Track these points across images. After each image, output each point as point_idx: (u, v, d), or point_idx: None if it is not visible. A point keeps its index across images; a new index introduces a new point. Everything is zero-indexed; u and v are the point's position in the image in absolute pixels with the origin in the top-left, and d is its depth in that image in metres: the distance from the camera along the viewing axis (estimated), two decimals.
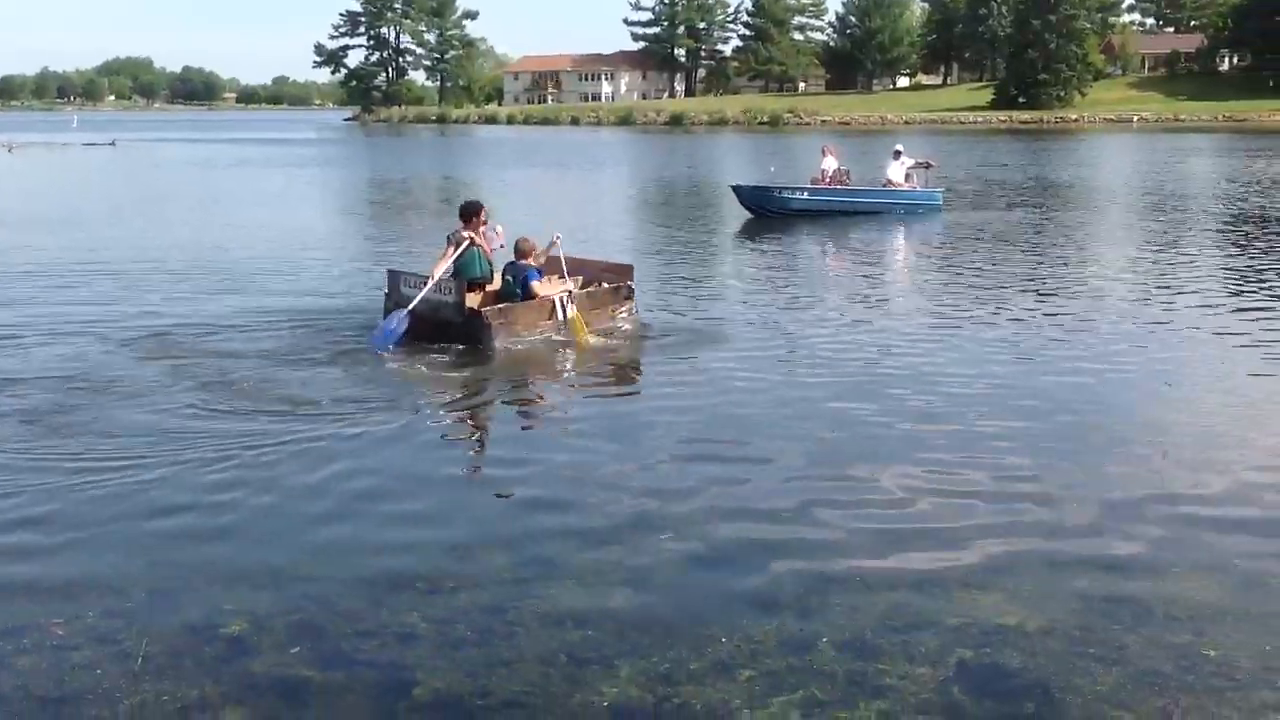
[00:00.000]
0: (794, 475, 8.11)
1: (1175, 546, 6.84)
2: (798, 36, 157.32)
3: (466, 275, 12.44)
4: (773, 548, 6.83)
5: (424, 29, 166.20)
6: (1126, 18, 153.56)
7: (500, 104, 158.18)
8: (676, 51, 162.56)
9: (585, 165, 53.34)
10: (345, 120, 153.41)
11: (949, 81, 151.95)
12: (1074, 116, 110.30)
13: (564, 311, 12.26)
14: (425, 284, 12.13)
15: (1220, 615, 5.94)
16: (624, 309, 13.16)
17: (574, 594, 6.22)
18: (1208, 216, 26.81)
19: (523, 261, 12.51)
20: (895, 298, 15.81)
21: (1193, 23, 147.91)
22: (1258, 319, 13.78)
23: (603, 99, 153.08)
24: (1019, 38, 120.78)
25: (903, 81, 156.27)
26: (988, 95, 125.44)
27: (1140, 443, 8.90)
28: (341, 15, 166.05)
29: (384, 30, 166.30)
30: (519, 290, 12.44)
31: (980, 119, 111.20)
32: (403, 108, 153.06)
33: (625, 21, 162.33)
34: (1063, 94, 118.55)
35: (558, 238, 13.12)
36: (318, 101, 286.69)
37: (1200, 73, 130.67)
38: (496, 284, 12.87)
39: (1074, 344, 12.43)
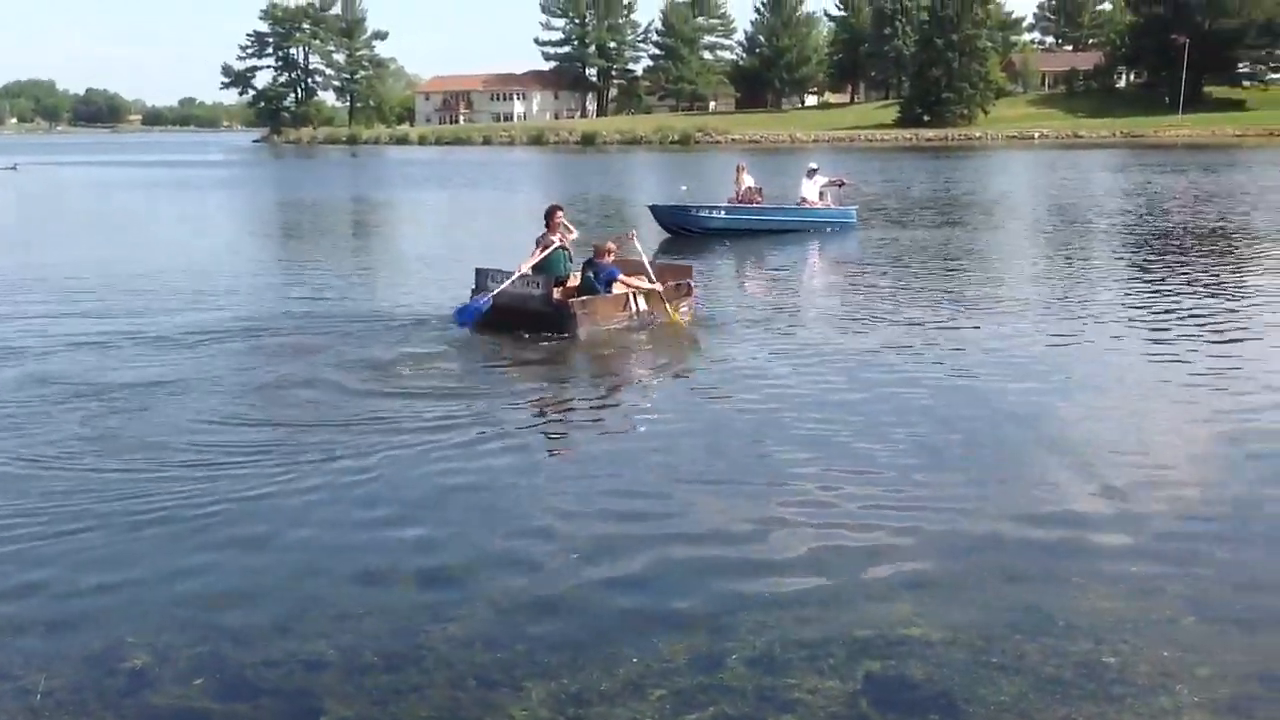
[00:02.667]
0: (703, 495, 8.15)
1: (1074, 556, 6.98)
2: (707, 56, 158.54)
3: (552, 272, 14.24)
4: (684, 567, 6.86)
5: (333, 49, 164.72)
6: (1027, 36, 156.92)
7: (411, 124, 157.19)
8: (588, 71, 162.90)
9: (499, 185, 53.18)
10: (254, 142, 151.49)
11: (856, 100, 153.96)
12: (977, 134, 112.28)
13: (637, 304, 14.21)
14: (508, 278, 13.93)
15: (1119, 623, 6.08)
16: (685, 303, 15.02)
17: (484, 617, 6.20)
18: (1110, 230, 27.44)
19: (602, 260, 14.25)
20: (811, 315, 15.93)
21: (1091, 41, 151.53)
22: (1159, 331, 14.12)
23: (515, 119, 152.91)
24: (923, 56, 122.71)
25: (811, 100, 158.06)
26: (893, 113, 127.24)
27: (1040, 454, 9.06)
28: (249, 36, 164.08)
29: (293, 51, 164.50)
30: (600, 286, 14.12)
31: (887, 137, 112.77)
32: (313, 129, 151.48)
33: (536, 41, 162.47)
34: (966, 112, 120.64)
35: (634, 233, 16.05)
36: (226, 123, 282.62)
37: (1098, 90, 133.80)
38: (574, 280, 14.56)
39: (980, 359, 12.63)
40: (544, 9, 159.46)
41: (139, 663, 5.71)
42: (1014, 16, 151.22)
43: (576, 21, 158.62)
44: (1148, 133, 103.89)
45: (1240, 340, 13.47)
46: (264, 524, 7.57)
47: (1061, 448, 9.23)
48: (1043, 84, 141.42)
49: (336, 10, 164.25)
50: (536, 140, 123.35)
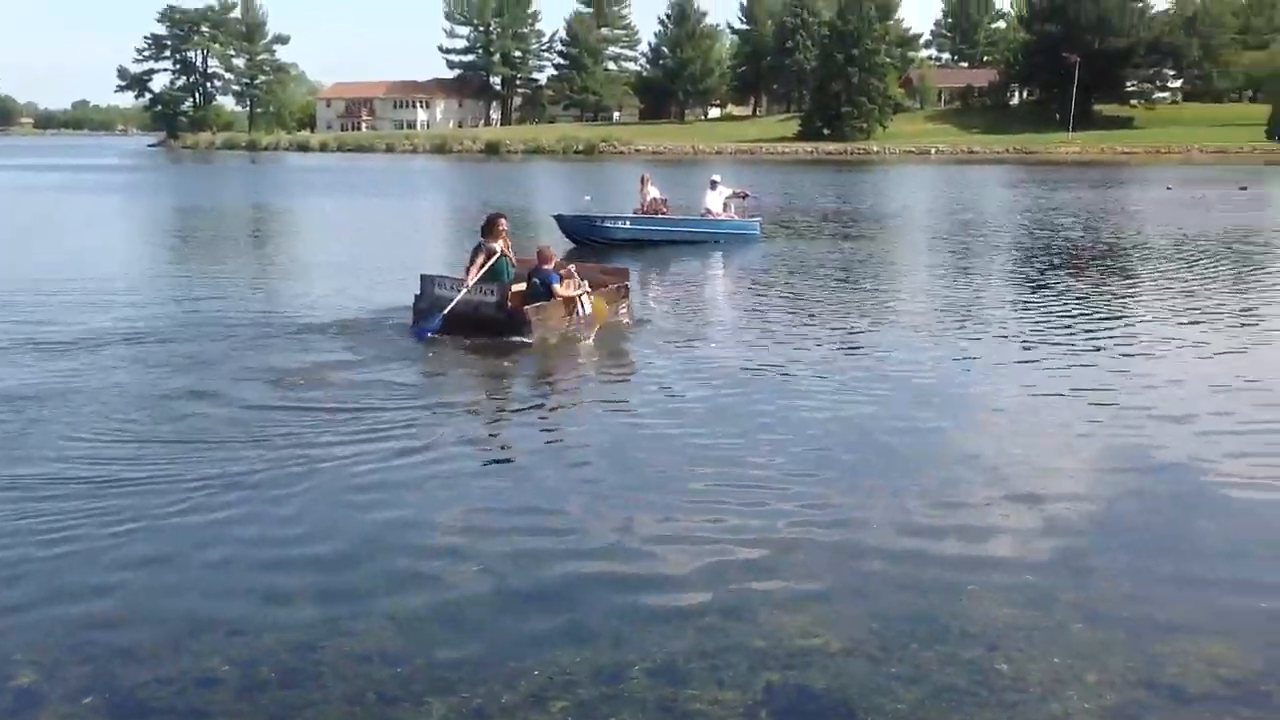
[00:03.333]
0: (608, 509, 8.16)
1: (968, 565, 7.11)
2: (612, 66, 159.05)
3: (500, 280, 14.52)
4: (586, 581, 6.86)
5: (233, 54, 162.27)
6: (924, 53, 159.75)
7: (312, 131, 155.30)
8: (492, 79, 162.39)
9: (402, 193, 52.78)
10: (150, 146, 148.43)
11: (758, 112, 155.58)
12: (875, 148, 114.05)
13: (584, 309, 14.82)
14: (457, 284, 14.37)
15: (1011, 631, 6.20)
16: (624, 305, 15.83)
17: (384, 632, 6.14)
18: (1005, 245, 28.02)
19: (545, 267, 14.81)
20: (717, 328, 16.01)
21: (986, 59, 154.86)
22: (1050, 345, 14.41)
23: (418, 126, 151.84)
24: (823, 71, 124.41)
25: (714, 112, 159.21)
26: (795, 126, 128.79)
27: (934, 466, 9.20)
28: (146, 39, 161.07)
29: (191, 54, 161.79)
30: (543, 291, 14.63)
31: (788, 149, 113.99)
32: (211, 134, 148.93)
33: (440, 49, 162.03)
34: (865, 126, 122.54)
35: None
36: (121, 127, 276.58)
37: (992, 107, 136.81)
38: (518, 286, 14.89)
39: (878, 372, 12.79)
40: (448, 17, 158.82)
41: (26, 681, 5.57)
42: (912, 33, 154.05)
43: (481, 30, 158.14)
44: (1040, 149, 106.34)
45: (1128, 354, 13.81)
46: (160, 541, 7.41)
47: (954, 460, 9.39)
48: (939, 100, 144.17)
49: (237, 14, 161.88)
50: (440, 148, 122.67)
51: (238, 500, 8.19)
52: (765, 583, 6.81)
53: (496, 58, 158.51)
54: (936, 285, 20.48)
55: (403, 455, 9.27)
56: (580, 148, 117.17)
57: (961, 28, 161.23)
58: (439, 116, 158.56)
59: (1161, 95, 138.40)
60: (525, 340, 13.94)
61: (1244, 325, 15.82)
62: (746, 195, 30.05)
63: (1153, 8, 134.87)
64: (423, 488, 8.52)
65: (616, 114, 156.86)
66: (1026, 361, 13.37)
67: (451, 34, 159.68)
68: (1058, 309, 17.23)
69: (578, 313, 14.90)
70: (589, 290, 15.12)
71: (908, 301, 18.21)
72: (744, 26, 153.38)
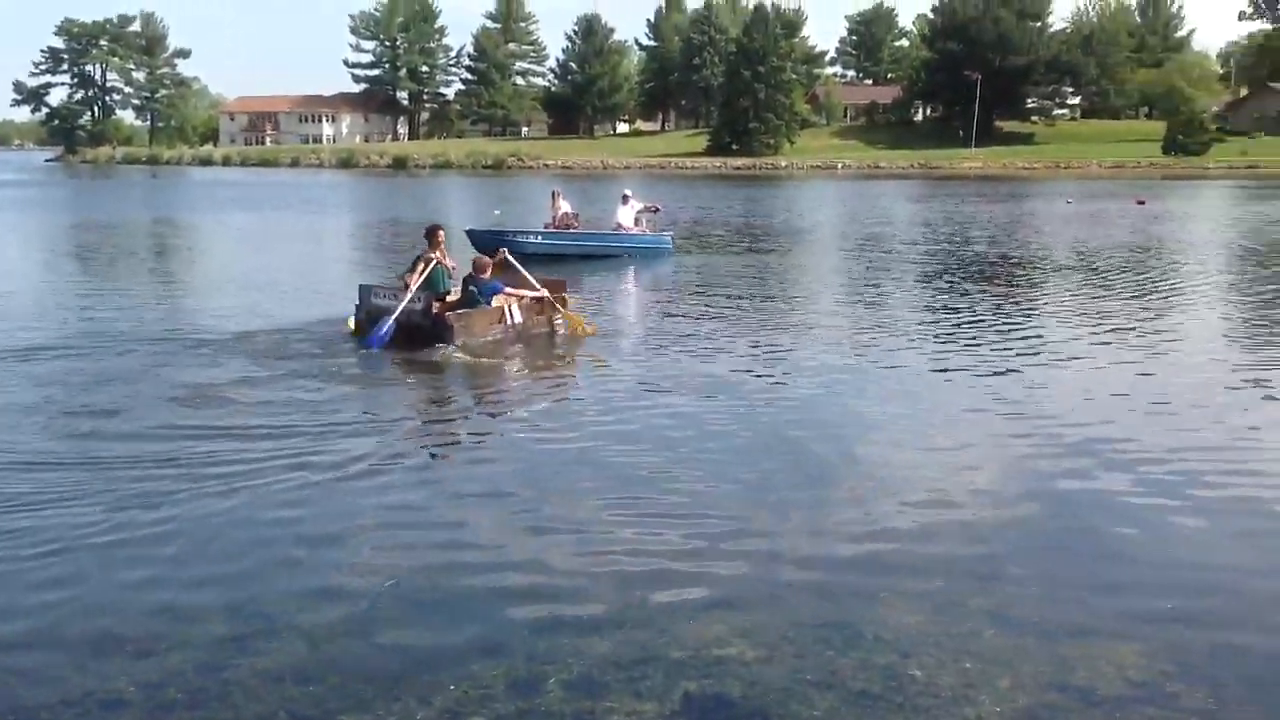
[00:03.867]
0: (525, 522, 8.11)
1: (881, 572, 7.17)
2: (520, 81, 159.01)
3: (432, 289, 14.92)
4: (502, 594, 6.81)
5: (132, 67, 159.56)
6: (829, 70, 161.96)
7: (215, 145, 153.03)
8: (399, 94, 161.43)
9: (309, 208, 52.16)
10: (47, 161, 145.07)
11: (667, 128, 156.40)
12: (783, 163, 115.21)
13: (513, 316, 15.12)
14: (394, 293, 14.77)
15: (924, 636, 6.27)
16: (559, 316, 16.02)
17: (295, 649, 6.04)
18: (913, 257, 28.42)
19: (483, 276, 15.13)
20: (629, 341, 15.98)
21: (890, 76, 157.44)
22: (961, 354, 14.64)
23: (324, 141, 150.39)
24: (731, 87, 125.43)
25: (623, 127, 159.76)
26: (703, 141, 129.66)
27: (846, 475, 9.28)
28: (43, 52, 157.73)
29: (89, 68, 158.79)
30: (483, 300, 15.00)
31: (697, 164, 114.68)
32: (111, 148, 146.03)
33: (346, 63, 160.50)
34: (772, 141, 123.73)
35: (503, 252, 16.67)
36: (17, 142, 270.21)
37: (897, 122, 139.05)
38: (454, 295, 15.27)
39: (791, 383, 12.89)
40: (354, 31, 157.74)
41: None
42: (817, 50, 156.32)
43: (387, 44, 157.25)
44: (944, 164, 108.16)
45: (1036, 365, 14.04)
46: (67, 564, 7.20)
47: (867, 469, 9.49)
48: (845, 116, 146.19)
49: (136, 27, 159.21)
50: (346, 163, 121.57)
51: (147, 521, 7.99)
52: (681, 593, 6.81)
53: (403, 72, 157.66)
54: (849, 298, 20.70)
55: (316, 472, 9.13)
56: (489, 162, 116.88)
57: (866, 45, 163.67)
58: (345, 131, 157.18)
59: (1060, 112, 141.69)
60: (448, 347, 14.09)
61: (1148, 336, 16.18)
62: (658, 209, 30.20)
63: (1051, 27, 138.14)
64: (335, 505, 8.39)
65: (525, 129, 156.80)
66: (938, 372, 13.55)
67: (357, 48, 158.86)
68: (968, 321, 17.50)
69: (507, 322, 15.12)
70: (542, 293, 15.62)
71: (822, 315, 18.38)
72: (651, 43, 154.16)
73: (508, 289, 15.40)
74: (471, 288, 15.16)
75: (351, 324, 15.16)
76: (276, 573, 7.12)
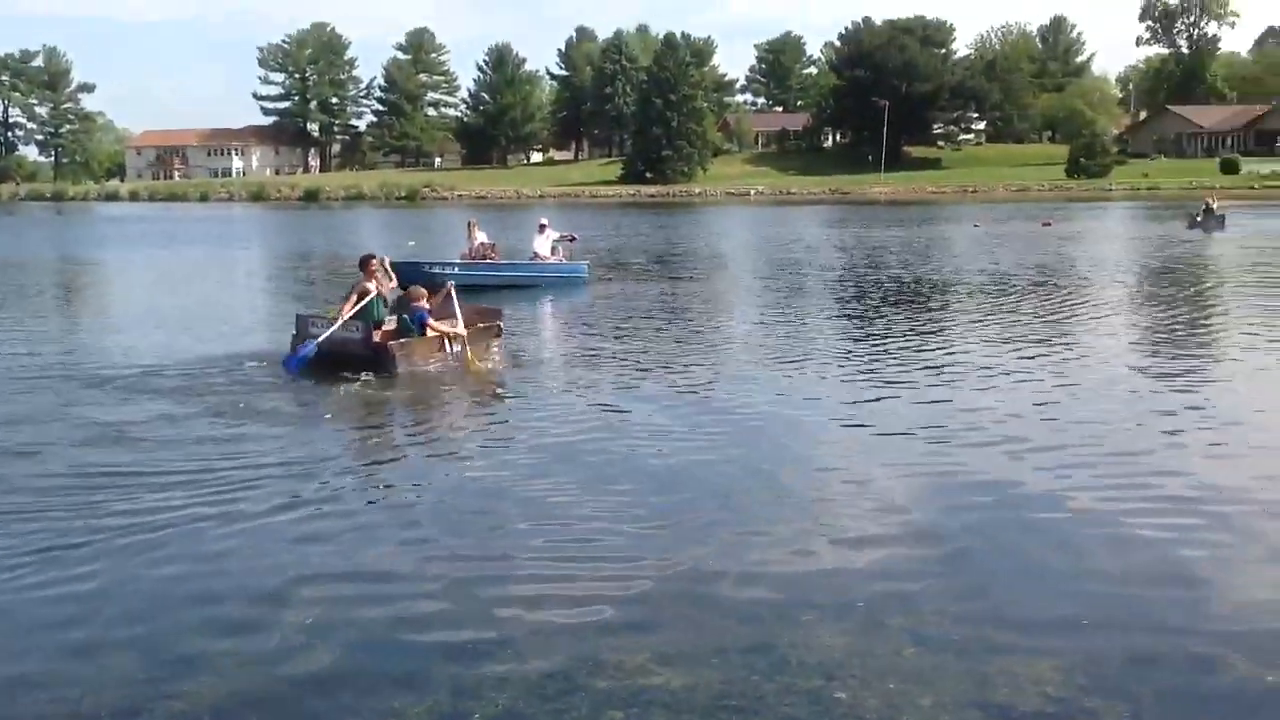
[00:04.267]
0: (442, 557, 8.06)
1: (803, 594, 7.22)
2: (432, 112, 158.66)
3: (369, 318, 15.01)
4: (423, 628, 6.76)
5: (35, 102, 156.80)
6: (740, 98, 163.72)
7: (123, 180, 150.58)
8: (309, 126, 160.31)
9: (220, 242, 51.47)
10: None
11: (580, 156, 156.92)
12: (697, 190, 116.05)
13: (451, 346, 15.24)
14: (329, 323, 14.86)
15: (847, 658, 6.32)
16: (496, 344, 16.51)
17: (213, 690, 5.93)
18: (828, 281, 28.74)
19: (415, 304, 15.27)
20: (547, 372, 15.98)
21: (799, 103, 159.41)
22: (876, 377, 14.81)
23: (233, 174, 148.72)
24: (643, 116, 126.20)
25: (536, 156, 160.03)
26: (617, 170, 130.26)
27: (766, 500, 9.33)
28: None
29: None
30: (414, 328, 15.11)
31: (611, 193, 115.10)
32: (15, 184, 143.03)
33: (255, 96, 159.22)
34: (686, 169, 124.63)
35: (451, 284, 16.57)
36: None
37: (808, 149, 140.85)
38: (390, 324, 15.41)
39: (713, 408, 12.92)
40: (262, 63, 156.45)
41: None
42: (728, 78, 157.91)
43: (297, 77, 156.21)
44: (854, 190, 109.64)
45: (953, 385, 14.21)
46: None
47: (787, 493, 9.55)
48: (756, 143, 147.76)
49: (39, 62, 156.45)
50: (257, 196, 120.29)
51: (63, 563, 7.83)
52: (604, 622, 6.80)
53: (313, 104, 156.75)
54: (768, 324, 20.83)
55: (233, 511, 8.99)
56: (402, 194, 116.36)
57: (775, 73, 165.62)
58: (255, 164, 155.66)
59: (966, 137, 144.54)
60: (390, 374, 14.32)
61: (1059, 354, 16.43)
62: (574, 238, 30.26)
63: (955, 54, 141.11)
64: (255, 546, 8.26)
65: (438, 160, 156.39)
66: (855, 395, 13.66)
67: (266, 81, 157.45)
68: (884, 343, 17.70)
69: (448, 350, 15.29)
70: (458, 332, 15.49)
71: (741, 341, 18.48)
72: (563, 72, 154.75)
73: (430, 321, 15.37)
74: (404, 315, 15.36)
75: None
76: (192, 613, 6.98)
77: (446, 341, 15.37)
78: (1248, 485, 9.57)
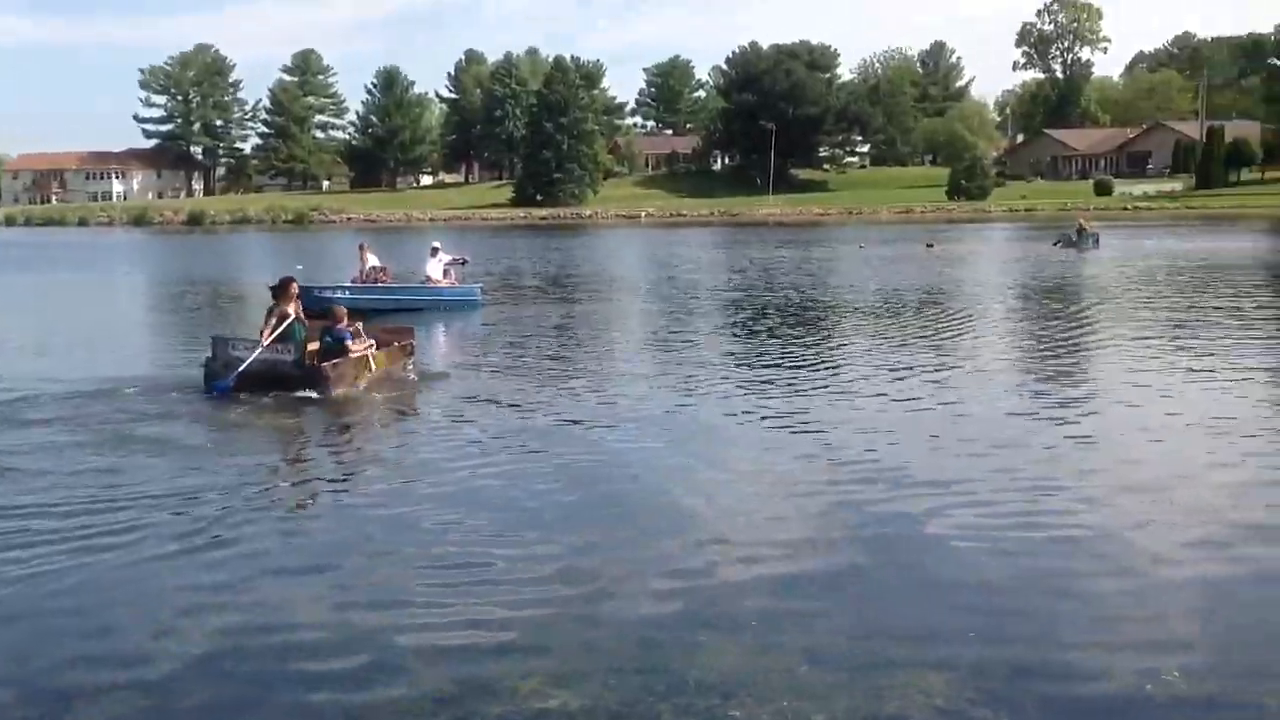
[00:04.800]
0: (333, 580, 8.02)
1: (699, 615, 7.30)
2: (319, 135, 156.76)
3: (295, 339, 15.19)
4: (317, 658, 6.71)
5: None
6: (630, 120, 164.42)
7: None
8: (193, 149, 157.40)
9: (102, 267, 50.20)
10: None
11: (471, 180, 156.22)
12: (588, 212, 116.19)
13: (374, 364, 15.81)
14: (249, 345, 15.09)
15: (743, 677, 6.39)
16: (409, 363, 17.10)
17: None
18: (720, 301, 28.98)
19: (337, 326, 15.53)
20: (439, 397, 15.92)
21: (689, 126, 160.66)
22: (775, 395, 14.99)
23: (114, 198, 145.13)
24: (533, 139, 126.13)
25: (426, 180, 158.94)
26: (508, 193, 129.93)
27: (662, 522, 9.40)
28: None
29: None
30: (336, 348, 15.37)
31: (502, 216, 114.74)
32: None
33: (136, 118, 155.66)
34: (577, 191, 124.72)
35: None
36: None
37: (697, 171, 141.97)
38: (313, 345, 15.51)
39: (605, 431, 12.98)
40: (143, 85, 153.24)
41: None
42: (618, 101, 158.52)
43: (179, 99, 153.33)
44: (743, 212, 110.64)
45: (843, 405, 14.43)
46: None
47: (680, 514, 9.62)
48: (647, 165, 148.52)
49: None
50: (139, 220, 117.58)
51: None
52: (500, 647, 6.80)
53: (196, 127, 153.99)
54: (660, 346, 20.96)
55: (124, 543, 8.83)
56: (289, 217, 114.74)
57: (664, 96, 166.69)
58: (136, 188, 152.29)
59: (851, 160, 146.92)
60: (323, 395, 14.64)
61: (947, 375, 16.73)
62: (466, 261, 30.22)
63: (840, 78, 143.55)
64: (144, 577, 8.13)
65: (326, 182, 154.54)
66: (746, 416, 13.81)
67: (148, 103, 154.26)
68: (775, 364, 17.88)
69: (373, 368, 15.78)
70: (364, 353, 15.81)
71: (633, 363, 18.55)
72: (452, 95, 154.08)
73: (349, 343, 15.58)
74: (327, 337, 15.59)
75: (204, 374, 15.29)
76: (77, 651, 6.84)
77: (371, 360, 15.82)
78: (1121, 500, 9.87)
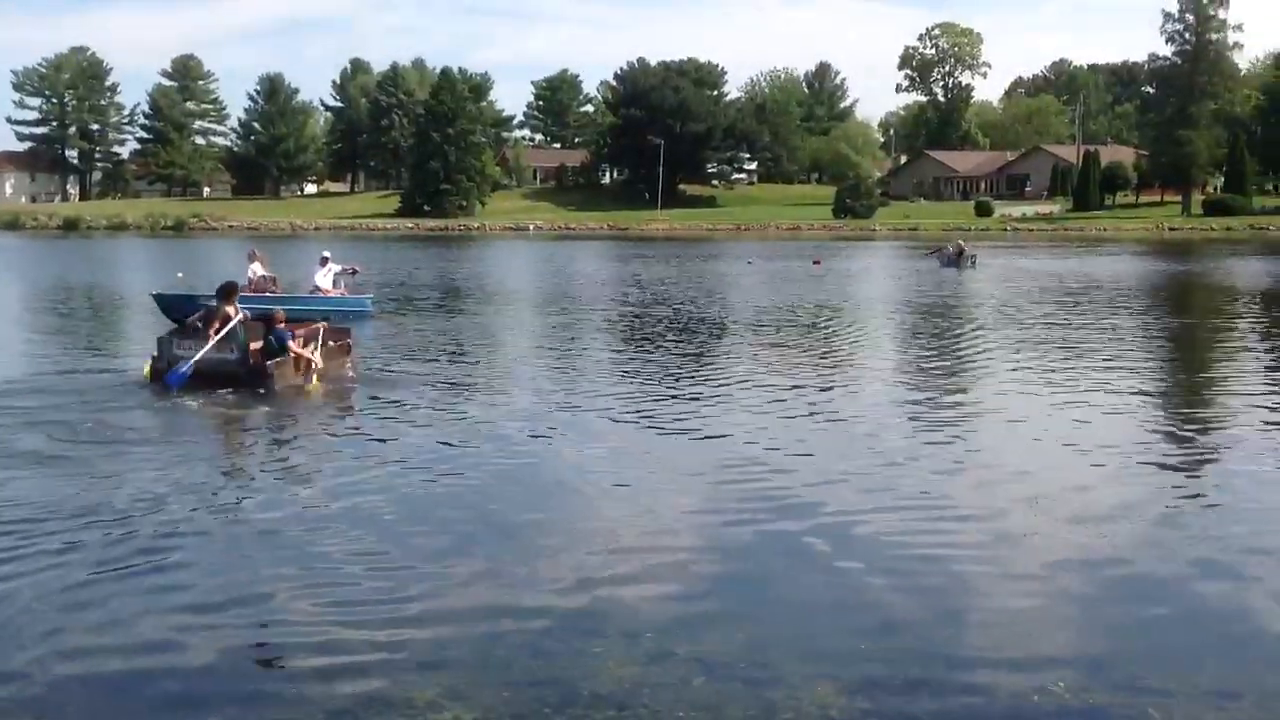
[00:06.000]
0: (219, 588, 7.87)
1: (592, 626, 7.31)
2: (200, 141, 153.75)
3: (238, 339, 16.17)
4: (198, 671, 6.60)
5: None
6: (518, 133, 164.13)
7: None
8: (68, 153, 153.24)
9: None
10: None
11: (356, 189, 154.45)
12: (476, 224, 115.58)
13: (316, 363, 16.60)
14: (195, 344, 16.04)
15: (637, 689, 6.41)
16: (348, 360, 18.02)
17: None
18: (611, 315, 28.99)
19: (279, 326, 16.44)
20: (326, 407, 15.72)
21: (577, 140, 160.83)
22: (666, 405, 15.05)
23: None
24: (420, 149, 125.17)
25: (311, 188, 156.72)
26: (395, 203, 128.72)
27: (552, 533, 9.42)
28: None
29: None
30: (278, 348, 16.25)
31: (389, 226, 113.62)
32: None
33: (9, 120, 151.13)
34: (464, 203, 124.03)
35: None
36: None
37: (586, 185, 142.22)
38: (256, 344, 16.39)
39: (496, 441, 12.93)
40: (16, 87, 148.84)
41: None
42: (506, 114, 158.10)
43: (54, 101, 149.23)
44: (632, 226, 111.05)
45: (732, 415, 14.57)
46: None
47: (571, 526, 9.67)
48: (535, 178, 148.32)
49: None
50: (11, 225, 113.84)
51: None
52: (391, 659, 6.74)
53: (72, 130, 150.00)
54: (550, 358, 20.94)
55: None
56: (169, 224, 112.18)
57: (553, 110, 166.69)
58: (9, 191, 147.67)
59: (739, 176, 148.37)
60: (266, 391, 15.64)
61: (837, 390, 16.94)
62: (356, 271, 29.82)
63: (727, 95, 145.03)
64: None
65: (206, 189, 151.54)
66: (641, 429, 13.86)
67: (21, 104, 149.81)
68: (666, 378, 17.90)
69: (313, 368, 16.59)
70: (303, 353, 16.62)
71: (523, 375, 18.45)
72: (337, 104, 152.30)
73: (290, 344, 16.45)
74: (270, 337, 16.43)
75: (147, 370, 16.31)
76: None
77: (315, 359, 16.70)
78: (1005, 514, 10.10)
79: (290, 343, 16.48)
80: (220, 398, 15.31)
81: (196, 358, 15.88)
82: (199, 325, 16.66)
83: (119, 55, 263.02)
